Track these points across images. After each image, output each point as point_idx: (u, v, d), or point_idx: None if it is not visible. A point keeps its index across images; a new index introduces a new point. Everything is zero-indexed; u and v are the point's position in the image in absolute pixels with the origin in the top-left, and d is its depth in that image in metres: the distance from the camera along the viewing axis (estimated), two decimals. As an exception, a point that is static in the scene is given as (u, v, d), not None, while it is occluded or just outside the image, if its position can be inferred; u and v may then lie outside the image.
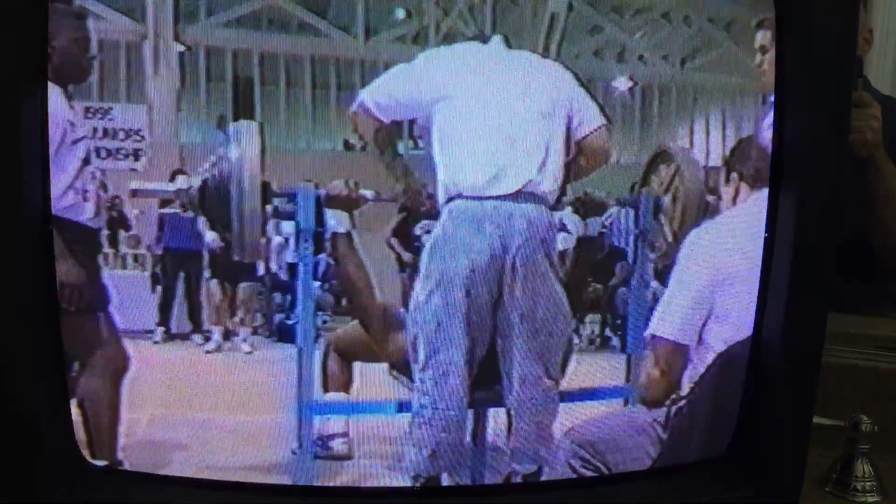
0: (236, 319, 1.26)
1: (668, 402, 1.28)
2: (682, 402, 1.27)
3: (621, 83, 1.25)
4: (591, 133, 1.27)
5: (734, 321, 1.26)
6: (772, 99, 1.18)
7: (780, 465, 1.20)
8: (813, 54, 1.12)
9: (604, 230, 1.28)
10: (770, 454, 1.20)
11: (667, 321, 1.29)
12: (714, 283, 1.28)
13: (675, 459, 1.26)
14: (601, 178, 1.28)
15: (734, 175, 1.27)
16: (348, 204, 1.22)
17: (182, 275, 1.26)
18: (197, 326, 1.25)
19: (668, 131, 1.29)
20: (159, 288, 1.24)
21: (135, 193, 1.17)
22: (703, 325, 1.30)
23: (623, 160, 1.29)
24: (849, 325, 1.60)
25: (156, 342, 1.22)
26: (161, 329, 1.23)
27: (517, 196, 1.25)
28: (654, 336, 1.29)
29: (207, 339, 1.25)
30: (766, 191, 1.22)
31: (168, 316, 1.24)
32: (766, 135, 1.21)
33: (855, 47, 1.20)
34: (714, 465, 1.24)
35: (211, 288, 1.25)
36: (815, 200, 1.15)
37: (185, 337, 1.24)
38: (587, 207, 1.28)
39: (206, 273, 1.24)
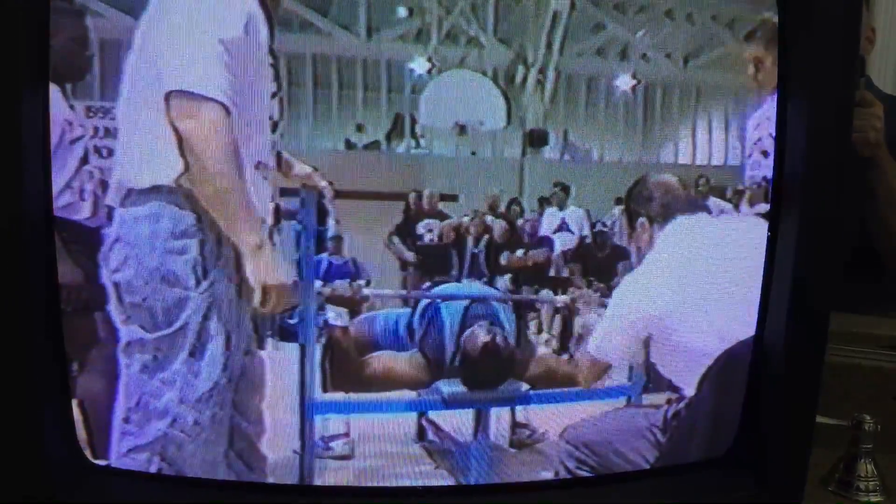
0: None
1: (664, 406, 1.28)
2: (680, 405, 1.27)
3: (624, 81, 1.24)
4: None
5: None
6: (774, 97, 1.18)
7: (782, 464, 1.20)
8: (815, 53, 1.12)
9: (605, 229, 1.28)
10: (773, 454, 1.20)
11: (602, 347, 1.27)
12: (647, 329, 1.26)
13: (676, 460, 1.26)
14: (601, 177, 1.27)
15: (642, 220, 1.25)
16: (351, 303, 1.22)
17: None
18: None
19: (670, 131, 1.29)
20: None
21: None
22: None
23: (625, 159, 1.28)
24: (852, 325, 1.60)
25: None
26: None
27: None
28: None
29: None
30: (680, 218, 1.22)
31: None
32: (763, 132, 1.20)
33: (858, 46, 1.19)
34: (717, 465, 1.24)
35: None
36: (819, 201, 1.14)
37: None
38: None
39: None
